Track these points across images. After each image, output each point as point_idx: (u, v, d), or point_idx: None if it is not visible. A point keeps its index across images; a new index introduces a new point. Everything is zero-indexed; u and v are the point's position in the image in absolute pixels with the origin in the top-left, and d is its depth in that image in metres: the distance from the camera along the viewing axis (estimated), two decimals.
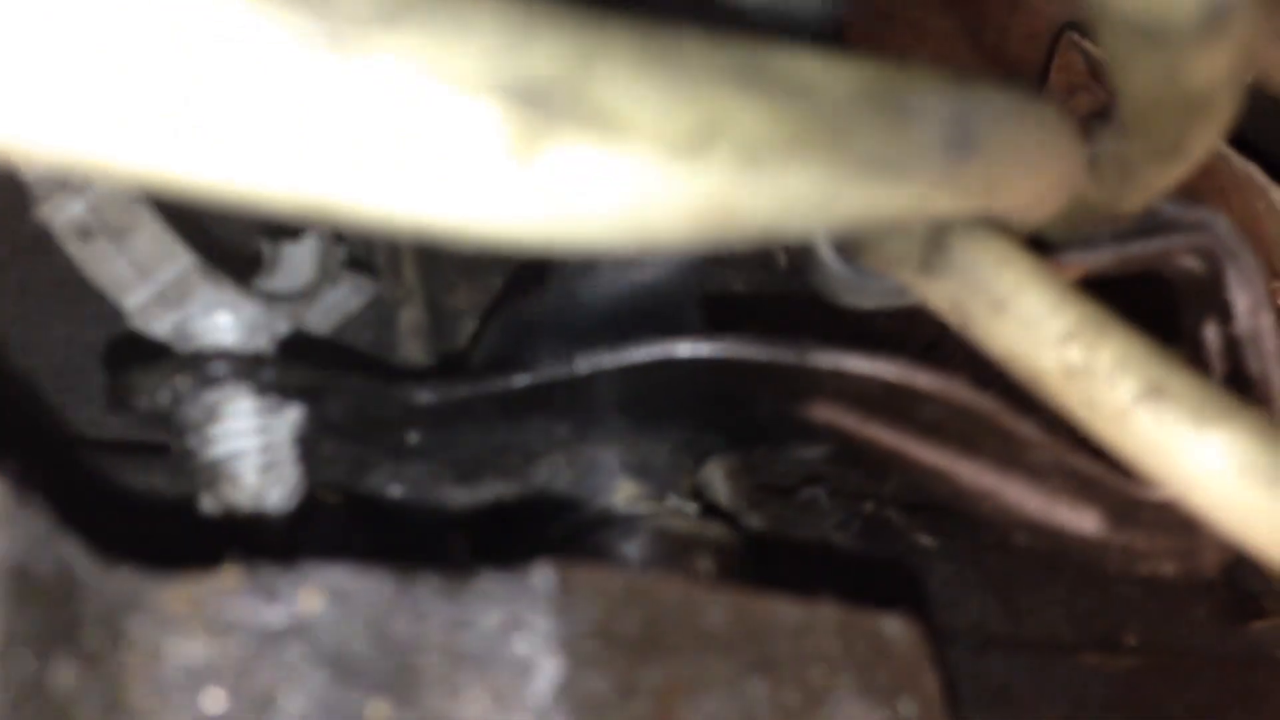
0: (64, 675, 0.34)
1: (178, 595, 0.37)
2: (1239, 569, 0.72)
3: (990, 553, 0.69)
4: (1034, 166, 0.46)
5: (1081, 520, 0.59)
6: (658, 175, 0.32)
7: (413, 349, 0.70)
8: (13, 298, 0.62)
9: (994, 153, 0.42)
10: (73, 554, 0.35)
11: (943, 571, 0.68)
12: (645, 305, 0.60)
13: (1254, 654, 0.70)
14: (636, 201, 0.32)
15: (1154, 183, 0.51)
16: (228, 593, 0.38)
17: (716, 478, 0.65)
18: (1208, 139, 0.47)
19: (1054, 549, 0.60)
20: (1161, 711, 0.66)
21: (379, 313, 0.70)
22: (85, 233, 0.53)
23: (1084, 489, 0.57)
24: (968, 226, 0.50)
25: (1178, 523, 0.57)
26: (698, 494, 0.63)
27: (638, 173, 0.32)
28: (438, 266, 0.73)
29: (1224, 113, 0.44)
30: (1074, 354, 0.46)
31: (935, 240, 0.50)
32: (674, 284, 0.60)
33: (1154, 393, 0.44)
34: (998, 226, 0.50)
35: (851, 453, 0.60)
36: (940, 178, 0.40)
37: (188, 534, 0.53)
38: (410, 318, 0.71)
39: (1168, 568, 0.59)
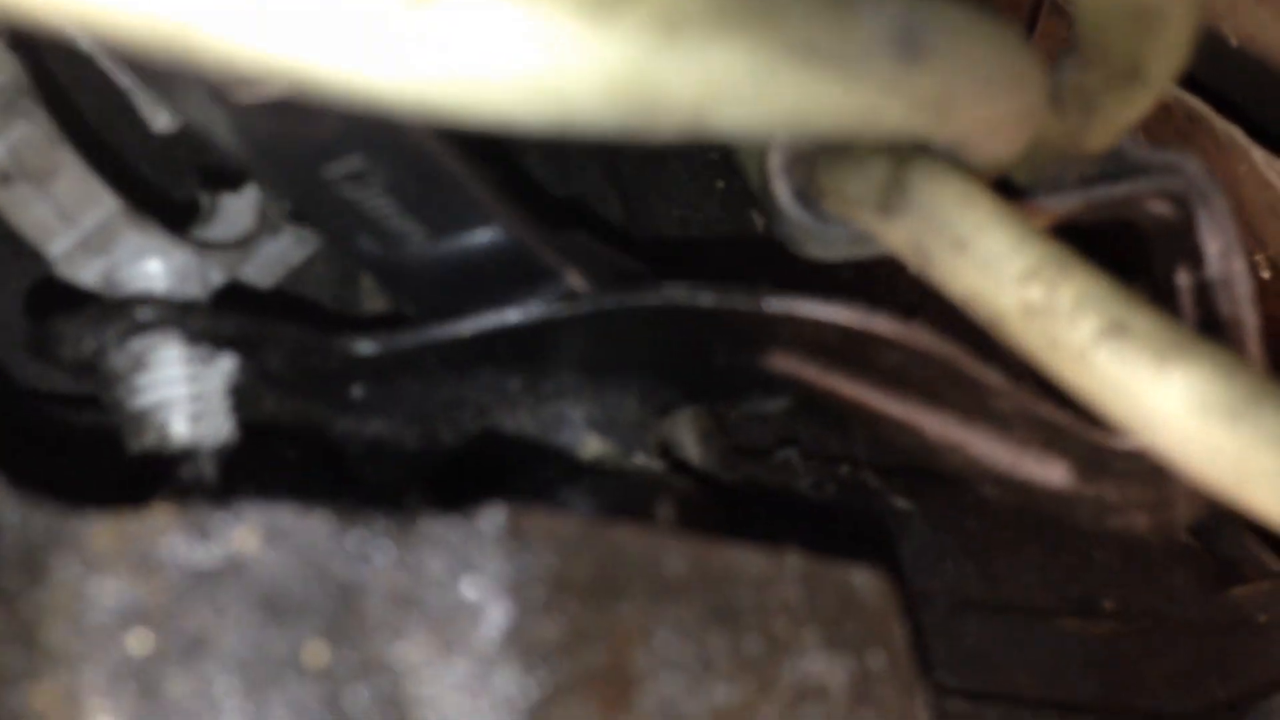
0: None
1: (103, 533, 0.35)
2: (1217, 535, 0.71)
3: (967, 516, 0.67)
4: (991, 86, 0.44)
5: (1050, 472, 0.57)
6: (567, 36, 0.30)
7: (376, 306, 0.67)
8: None
9: (947, 62, 0.40)
10: None
11: (919, 534, 0.66)
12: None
13: (1233, 619, 0.68)
14: (543, 64, 0.30)
15: (1117, 115, 0.49)
16: (157, 531, 0.35)
17: (687, 438, 0.63)
18: (1166, 63, 0.45)
19: (1024, 503, 0.59)
20: (1139, 677, 0.65)
21: (341, 268, 0.67)
22: (4, 177, 0.51)
23: (1052, 439, 0.56)
24: (927, 165, 0.48)
25: (1148, 473, 0.56)
26: (666, 452, 0.61)
27: (544, 31, 0.30)
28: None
29: (1178, 32, 0.42)
30: (1035, 293, 0.44)
31: (895, 179, 0.49)
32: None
33: (1115, 330, 0.42)
34: (958, 165, 0.48)
35: (814, 405, 0.59)
36: (887, 82, 0.38)
37: (116, 474, 0.50)
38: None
39: (1140, 521, 0.57)
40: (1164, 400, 0.41)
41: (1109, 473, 0.56)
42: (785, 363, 0.57)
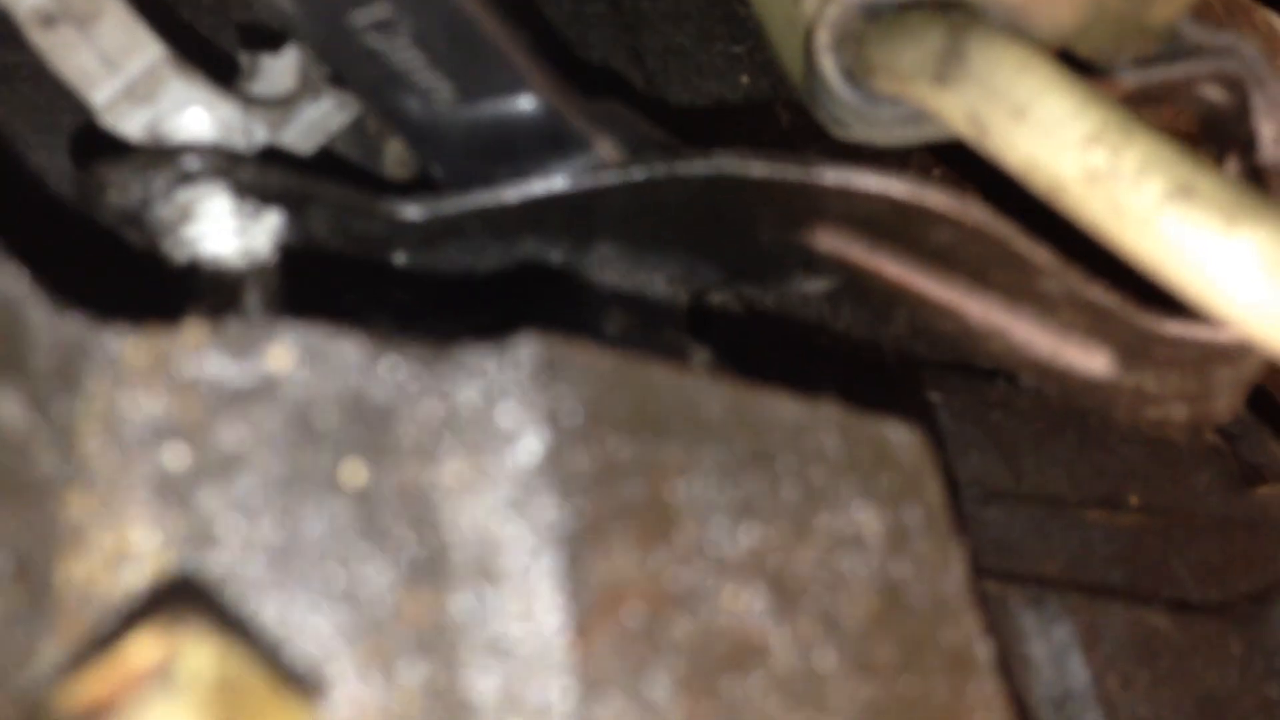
0: (11, 410, 0.31)
1: (138, 347, 0.35)
2: (1242, 438, 0.70)
3: (993, 410, 0.67)
4: None
5: (1091, 360, 0.57)
6: None
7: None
8: None
9: None
10: (17, 285, 0.33)
11: (944, 426, 0.66)
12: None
13: (1257, 518, 0.68)
14: None
15: None
16: (192, 347, 0.35)
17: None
18: None
19: (1061, 392, 0.58)
20: (1164, 569, 0.64)
21: (364, 146, 0.67)
22: (48, 20, 0.50)
23: (1096, 325, 0.55)
24: (986, 32, 0.48)
25: (1191, 362, 0.55)
26: (694, 332, 0.60)
27: None
28: None
29: None
30: (1098, 157, 0.44)
31: (952, 48, 0.48)
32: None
33: (1182, 192, 0.42)
34: (1017, 33, 0.47)
35: (857, 288, 0.58)
36: None
37: (150, 287, 0.50)
38: (396, 150, 0.68)
39: (1178, 412, 0.57)
40: (1232, 260, 0.41)
41: (1151, 361, 0.55)
42: (832, 240, 0.56)
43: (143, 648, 0.29)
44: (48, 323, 0.33)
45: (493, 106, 0.55)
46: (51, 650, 0.30)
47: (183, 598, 0.31)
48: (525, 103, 0.54)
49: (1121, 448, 0.69)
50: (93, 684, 0.29)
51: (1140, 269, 0.44)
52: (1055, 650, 0.60)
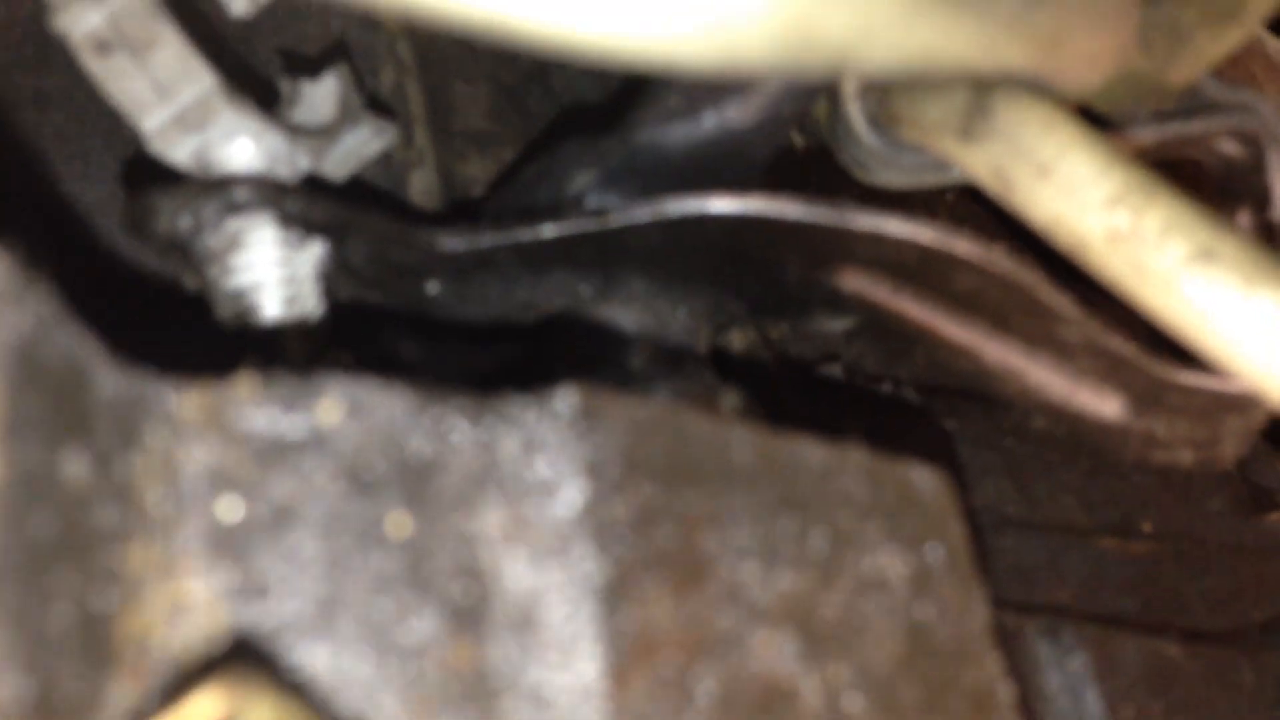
0: (76, 468, 0.33)
1: (192, 401, 0.36)
2: (1254, 464, 0.72)
3: (1007, 438, 0.68)
4: (1094, 22, 0.44)
5: (1104, 404, 0.58)
6: None
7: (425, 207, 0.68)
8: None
9: (1064, 3, 0.41)
10: (83, 344, 0.34)
11: (959, 454, 0.67)
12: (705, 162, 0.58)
13: (1268, 545, 0.69)
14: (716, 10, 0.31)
15: (1205, 49, 0.49)
16: (244, 401, 0.36)
17: (734, 350, 0.64)
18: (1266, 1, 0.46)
19: (1072, 434, 0.60)
20: (1177, 597, 0.66)
21: (390, 175, 0.68)
22: (103, 46, 0.51)
23: (1111, 371, 0.56)
24: (1012, 90, 0.49)
25: (1201, 410, 0.56)
26: (715, 364, 0.62)
27: None
28: (449, 134, 0.72)
29: None
30: (1121, 218, 0.45)
31: (978, 105, 0.49)
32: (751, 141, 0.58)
33: (1203, 255, 0.43)
34: (1042, 92, 0.49)
35: (878, 327, 0.59)
36: (1012, 21, 0.39)
37: (202, 341, 0.52)
38: (422, 181, 0.69)
39: (1185, 457, 0.58)
40: (1251, 322, 0.42)
41: (1162, 407, 0.57)
42: (857, 281, 0.57)
43: (207, 704, 0.30)
44: (109, 380, 0.34)
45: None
46: (115, 699, 0.32)
47: (240, 652, 0.33)
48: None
49: (1133, 475, 0.70)
50: None
51: (1160, 326, 0.46)
52: (1070, 682, 0.61)
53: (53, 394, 0.32)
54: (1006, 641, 0.61)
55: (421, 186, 0.69)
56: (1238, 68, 0.68)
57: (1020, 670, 0.61)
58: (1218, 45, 0.49)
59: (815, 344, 0.68)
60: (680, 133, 0.55)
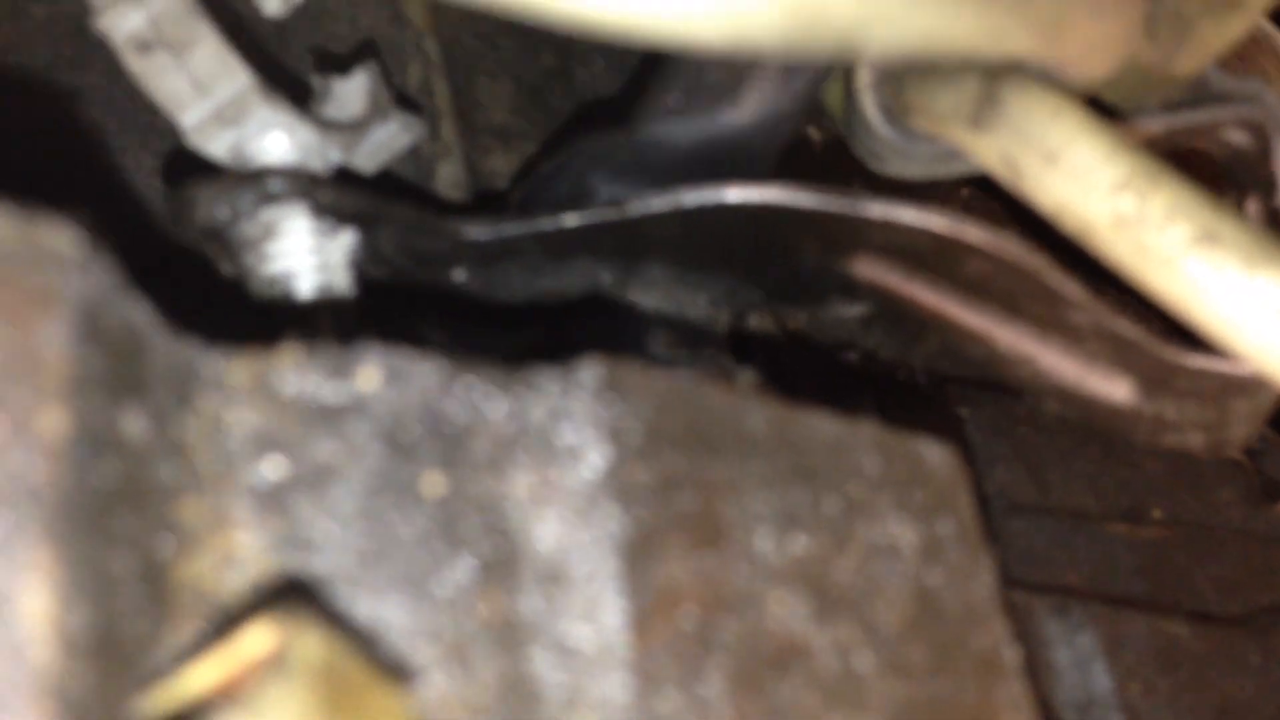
0: (135, 425, 0.35)
1: (240, 368, 0.38)
2: (1265, 455, 0.73)
3: (1019, 425, 0.70)
4: (1097, 10, 0.46)
5: (1114, 388, 0.60)
6: None
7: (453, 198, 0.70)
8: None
9: None
10: (141, 312, 0.36)
11: (972, 440, 0.69)
12: (718, 155, 0.60)
13: (1277, 533, 0.71)
14: None
15: (1210, 39, 0.51)
16: (288, 368, 0.39)
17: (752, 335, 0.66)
18: None
19: (1083, 418, 0.61)
20: (1185, 581, 0.67)
21: (419, 168, 0.70)
22: (144, 46, 0.54)
23: (1120, 355, 0.58)
24: (1021, 79, 0.50)
25: (1209, 392, 0.58)
26: (733, 351, 0.64)
27: None
28: (474, 128, 0.74)
29: None
30: (1126, 202, 0.47)
31: (987, 94, 0.51)
32: (753, 137, 0.60)
33: (1206, 238, 0.45)
34: (1050, 82, 0.50)
35: (892, 313, 0.61)
36: (1014, 6, 0.41)
37: (245, 316, 0.54)
38: (448, 173, 0.71)
39: (1195, 439, 0.60)
40: (1252, 303, 0.44)
41: (1171, 391, 0.58)
42: (871, 269, 0.59)
43: (257, 638, 0.32)
44: (165, 346, 0.37)
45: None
46: (171, 639, 0.34)
47: (287, 595, 0.35)
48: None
49: (1145, 463, 0.72)
50: (212, 669, 0.32)
51: (1164, 307, 0.47)
52: (1079, 658, 0.63)
53: (114, 356, 0.34)
54: (1017, 619, 0.63)
55: (448, 179, 0.72)
56: (1246, 60, 0.70)
57: (1030, 646, 0.62)
58: (1221, 35, 0.50)
59: (832, 331, 0.70)
60: (680, 130, 0.57)
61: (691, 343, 0.62)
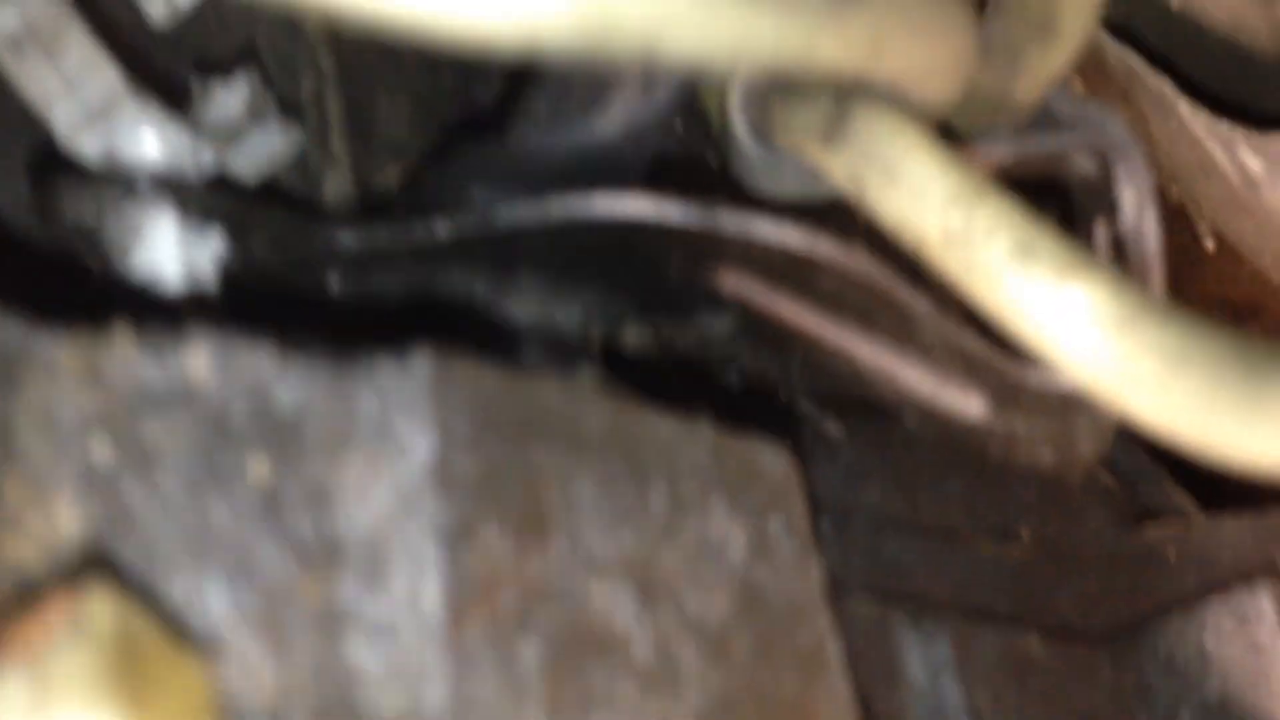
0: None
1: (69, 350, 0.39)
2: (1138, 479, 0.75)
3: (893, 446, 0.71)
4: (919, 31, 0.48)
5: (968, 403, 0.61)
6: None
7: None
8: None
9: (876, 7, 0.44)
10: None
11: (846, 458, 0.70)
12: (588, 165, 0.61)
13: (1145, 555, 0.72)
14: None
15: (1039, 67, 0.53)
16: (117, 351, 0.39)
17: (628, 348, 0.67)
18: (1078, 16, 0.49)
19: (941, 433, 0.63)
20: (1047, 597, 0.69)
21: (304, 178, 0.71)
22: (16, 44, 0.55)
23: (970, 370, 0.60)
24: (868, 100, 0.52)
25: (1053, 408, 0.60)
26: (607, 362, 0.65)
27: None
28: (370, 143, 0.75)
29: None
30: (954, 218, 0.48)
31: (837, 112, 0.53)
32: (620, 147, 0.61)
33: (1022, 250, 0.46)
34: (895, 103, 0.52)
35: (757, 327, 0.63)
36: (819, 20, 0.43)
37: (77, 296, 0.54)
38: (335, 187, 0.72)
39: (1045, 455, 0.62)
40: (1062, 313, 0.46)
41: (1019, 406, 0.60)
42: (735, 282, 0.61)
43: (55, 606, 0.33)
44: None
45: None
46: None
47: (96, 569, 0.36)
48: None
49: (1016, 485, 0.73)
50: (11, 632, 0.33)
51: (993, 322, 0.49)
52: (932, 669, 0.64)
53: None
54: (875, 630, 0.64)
55: (335, 191, 0.72)
56: (1109, 84, 0.72)
57: (886, 658, 0.64)
58: (1048, 61, 0.52)
59: (711, 346, 0.71)
60: (552, 139, 0.58)
61: (563, 355, 0.63)
